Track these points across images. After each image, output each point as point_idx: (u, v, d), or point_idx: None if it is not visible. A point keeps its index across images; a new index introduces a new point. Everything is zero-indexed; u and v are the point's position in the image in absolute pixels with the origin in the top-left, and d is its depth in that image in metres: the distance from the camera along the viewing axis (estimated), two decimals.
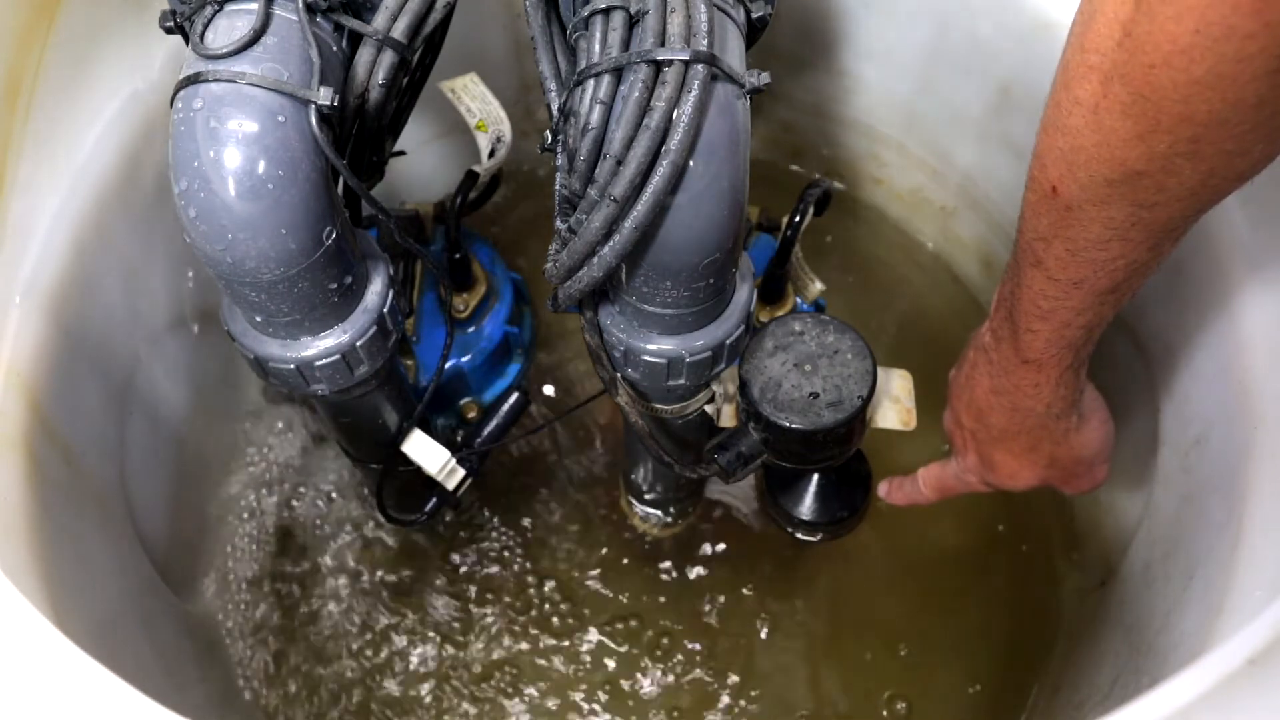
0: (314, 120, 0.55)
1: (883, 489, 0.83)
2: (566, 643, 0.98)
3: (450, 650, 0.98)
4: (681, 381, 0.68)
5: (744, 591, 0.99)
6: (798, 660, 0.96)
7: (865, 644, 0.97)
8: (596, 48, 0.55)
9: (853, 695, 0.95)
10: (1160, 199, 0.48)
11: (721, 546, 1.02)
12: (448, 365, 0.89)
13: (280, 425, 1.04)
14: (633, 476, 0.97)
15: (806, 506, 0.81)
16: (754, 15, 0.61)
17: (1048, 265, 0.55)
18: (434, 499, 0.89)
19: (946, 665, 0.96)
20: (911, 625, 0.97)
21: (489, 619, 0.99)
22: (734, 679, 0.96)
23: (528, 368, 1.01)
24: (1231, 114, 0.42)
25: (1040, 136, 0.52)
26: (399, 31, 0.61)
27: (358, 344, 0.65)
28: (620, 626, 0.98)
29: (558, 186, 0.58)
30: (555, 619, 0.99)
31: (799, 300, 0.87)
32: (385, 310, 0.67)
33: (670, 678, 0.96)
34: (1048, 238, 0.54)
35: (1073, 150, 0.49)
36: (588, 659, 0.97)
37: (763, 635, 0.98)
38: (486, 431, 0.86)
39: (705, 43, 0.53)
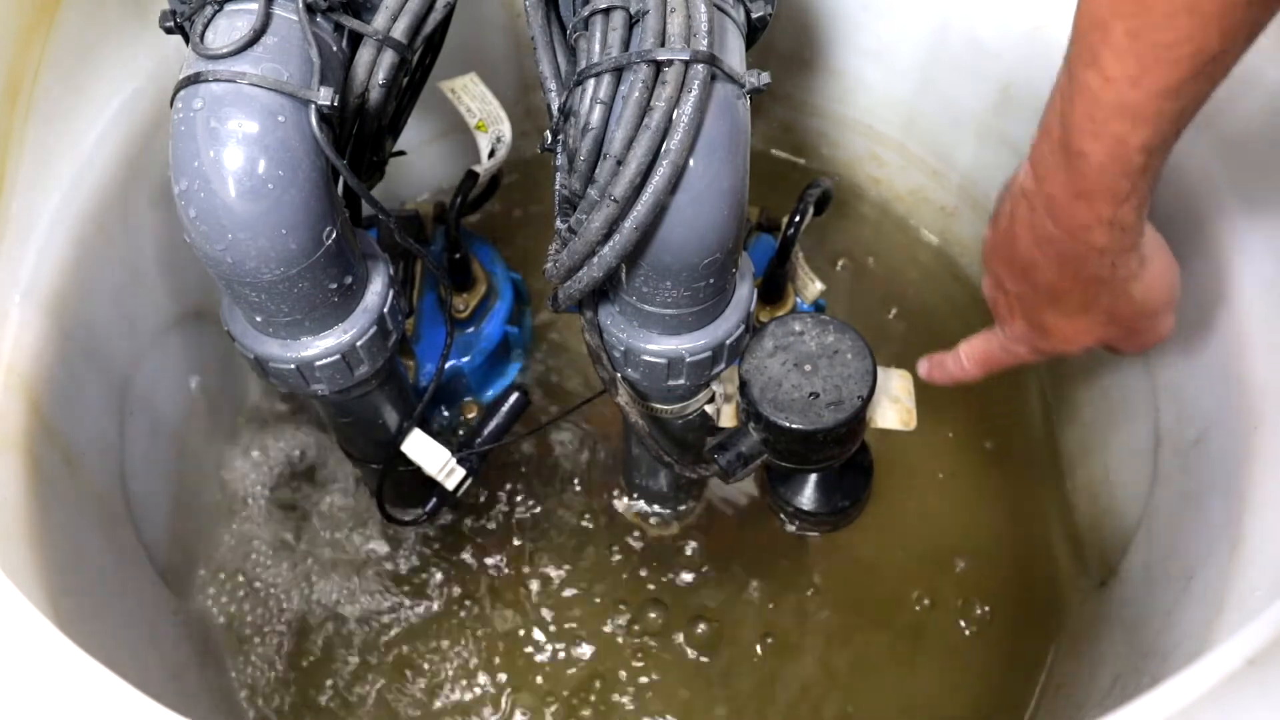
0: (314, 120, 0.55)
1: (922, 368, 0.77)
2: (561, 642, 0.98)
3: (448, 649, 0.98)
4: (681, 381, 0.68)
5: (743, 588, 0.99)
6: (794, 662, 0.96)
7: (863, 646, 0.97)
8: (596, 48, 0.55)
9: (850, 698, 0.95)
10: None
11: (721, 544, 1.01)
12: (448, 365, 0.89)
13: (280, 425, 1.04)
14: (632, 474, 0.97)
15: (808, 496, 0.81)
16: (754, 15, 0.61)
17: (1103, 61, 0.49)
18: (434, 499, 0.89)
19: (946, 666, 0.96)
20: (911, 626, 0.97)
21: (489, 619, 0.99)
22: (734, 676, 0.96)
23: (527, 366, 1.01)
24: None
25: None
26: (399, 31, 0.61)
27: (358, 344, 0.66)
28: (618, 626, 0.98)
29: (557, 186, 0.58)
30: (550, 617, 0.99)
31: (799, 300, 0.87)
32: (385, 310, 0.67)
33: (669, 676, 0.96)
34: (1105, 21, 0.48)
35: None
36: (583, 659, 0.97)
37: (761, 633, 0.97)
38: (487, 431, 0.86)
39: (705, 43, 0.53)
